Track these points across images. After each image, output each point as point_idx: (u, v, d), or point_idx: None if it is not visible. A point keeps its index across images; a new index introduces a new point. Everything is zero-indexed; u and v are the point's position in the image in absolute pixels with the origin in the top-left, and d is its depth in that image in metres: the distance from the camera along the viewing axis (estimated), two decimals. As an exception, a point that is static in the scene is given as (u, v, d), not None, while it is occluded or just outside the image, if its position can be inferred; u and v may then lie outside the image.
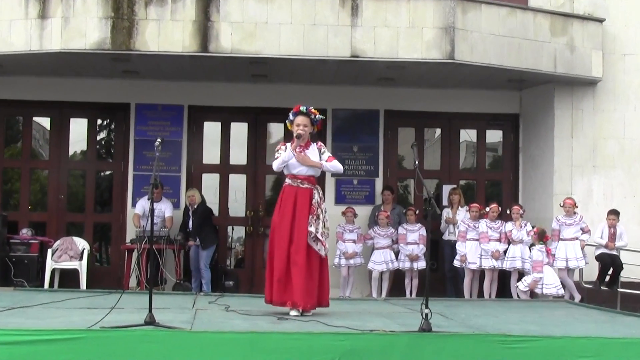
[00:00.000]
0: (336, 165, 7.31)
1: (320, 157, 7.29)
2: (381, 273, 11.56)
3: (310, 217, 7.05)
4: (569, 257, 10.85)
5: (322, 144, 7.41)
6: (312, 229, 7.01)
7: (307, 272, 7.03)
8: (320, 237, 7.06)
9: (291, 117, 7.29)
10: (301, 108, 7.26)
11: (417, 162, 6.87)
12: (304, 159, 7.16)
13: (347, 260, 11.47)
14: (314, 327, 6.20)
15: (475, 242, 11.17)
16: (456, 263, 11.30)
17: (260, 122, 12.84)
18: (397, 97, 12.65)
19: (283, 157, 7.14)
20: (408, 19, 10.58)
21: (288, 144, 7.24)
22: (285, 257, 7.02)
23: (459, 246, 11.27)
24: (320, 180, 12.53)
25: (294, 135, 7.19)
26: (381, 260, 11.48)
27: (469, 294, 11.16)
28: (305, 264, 7.01)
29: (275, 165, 7.19)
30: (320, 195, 7.24)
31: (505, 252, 11.19)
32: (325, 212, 7.24)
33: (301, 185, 7.16)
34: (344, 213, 11.67)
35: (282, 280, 7.02)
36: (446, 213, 11.94)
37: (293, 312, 7.01)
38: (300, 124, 7.21)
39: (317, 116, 7.31)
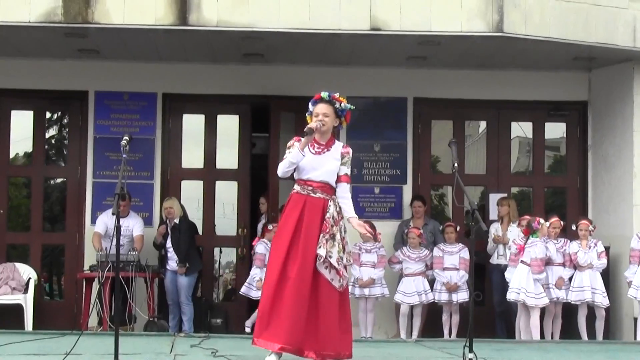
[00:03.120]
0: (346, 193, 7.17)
1: (340, 165, 7.09)
2: (412, 307, 11.55)
3: (322, 236, 6.91)
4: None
5: (349, 152, 7.19)
6: (321, 251, 6.86)
7: (316, 309, 6.84)
8: (336, 265, 6.89)
9: (311, 107, 7.12)
10: (322, 94, 7.08)
11: (456, 165, 6.88)
12: None
13: (361, 290, 11.43)
14: (327, 378, 6.21)
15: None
16: (509, 296, 11.23)
17: (256, 114, 12.84)
18: (430, 82, 12.66)
19: (290, 158, 6.92)
20: (444, -20, 10.62)
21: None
22: (275, 284, 6.80)
23: (509, 273, 11.22)
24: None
25: (305, 129, 6.93)
26: (412, 291, 11.46)
27: (525, 334, 11.09)
28: (309, 297, 6.81)
29: (280, 169, 6.98)
30: (338, 209, 7.04)
31: (570, 279, 11.17)
32: (346, 232, 7.05)
33: (312, 194, 6.99)
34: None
35: (268, 313, 6.76)
36: (494, 229, 11.92)
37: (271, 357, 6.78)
38: (319, 113, 7.02)
39: (342, 104, 7.14)
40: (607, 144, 12.58)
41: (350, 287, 11.38)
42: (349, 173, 7.14)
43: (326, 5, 10.50)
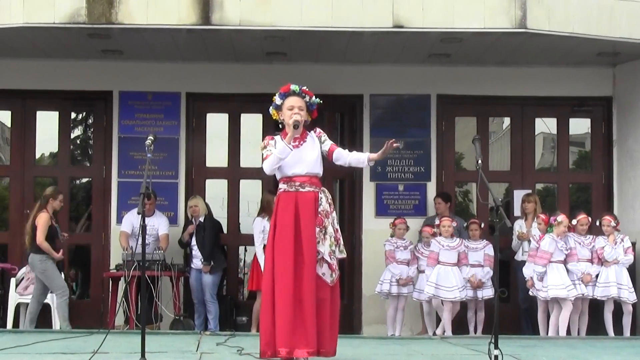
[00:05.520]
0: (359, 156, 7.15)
1: (320, 147, 7.05)
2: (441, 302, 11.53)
3: (319, 230, 6.85)
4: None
5: (322, 131, 7.16)
6: (321, 247, 6.82)
7: (316, 307, 6.77)
8: (328, 259, 6.84)
9: (278, 100, 7.07)
10: (292, 87, 7.06)
11: (480, 162, 6.87)
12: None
13: (399, 288, 11.41)
14: (352, 375, 6.24)
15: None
16: (532, 291, 11.25)
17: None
18: (454, 79, 12.64)
19: (278, 154, 6.84)
20: (466, -23, 10.61)
21: (278, 137, 6.98)
22: (291, 290, 6.71)
23: (526, 269, 11.21)
24: (354, 185, 12.74)
25: (290, 122, 6.85)
26: (452, 285, 11.38)
27: (544, 330, 11.08)
28: (315, 294, 6.74)
29: (267, 165, 6.89)
30: (329, 200, 6.99)
31: (597, 276, 11.13)
32: (337, 222, 7.01)
33: (301, 189, 6.91)
34: (393, 224, 11.60)
35: (290, 322, 6.68)
36: (519, 226, 11.89)
37: None
38: (295, 106, 6.97)
39: (312, 99, 7.10)
40: (632, 139, 12.52)
41: (387, 285, 11.33)
42: (333, 142, 7.12)
43: (349, 3, 10.51)
